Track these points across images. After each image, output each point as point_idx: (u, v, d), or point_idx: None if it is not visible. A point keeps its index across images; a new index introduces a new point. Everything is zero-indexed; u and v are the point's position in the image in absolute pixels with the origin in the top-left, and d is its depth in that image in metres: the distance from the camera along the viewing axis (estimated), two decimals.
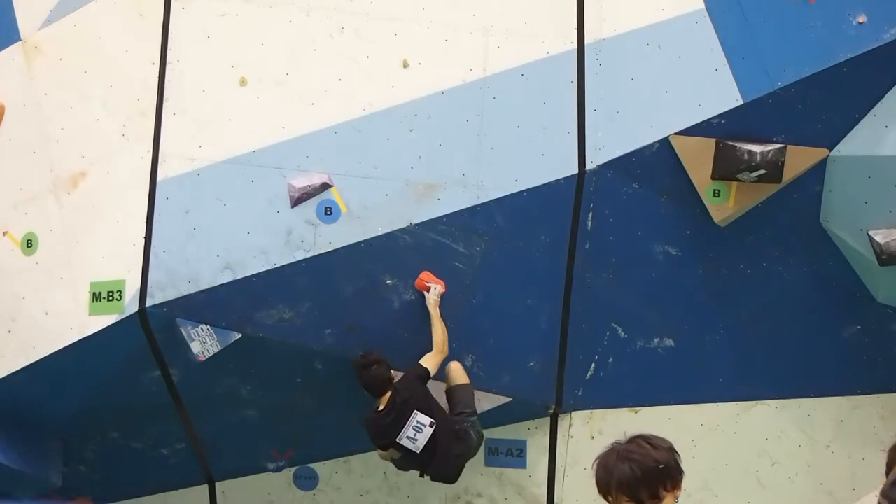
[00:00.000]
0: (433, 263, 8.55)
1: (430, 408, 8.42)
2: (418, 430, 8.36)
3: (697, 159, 8.48)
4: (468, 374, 8.71)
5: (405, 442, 8.41)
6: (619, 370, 9.03)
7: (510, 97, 8.53)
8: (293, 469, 9.53)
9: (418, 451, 8.45)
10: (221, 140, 8.45)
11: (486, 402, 8.92)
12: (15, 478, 8.82)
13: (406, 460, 8.70)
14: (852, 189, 8.51)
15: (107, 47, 8.72)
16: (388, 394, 8.40)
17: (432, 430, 8.38)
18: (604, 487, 3.99)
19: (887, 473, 4.83)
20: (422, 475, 8.80)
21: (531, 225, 8.62)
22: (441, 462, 8.56)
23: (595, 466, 4.07)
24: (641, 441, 4.06)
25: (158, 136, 8.45)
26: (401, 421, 8.37)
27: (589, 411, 9.13)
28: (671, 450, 4.05)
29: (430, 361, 8.42)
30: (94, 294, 8.45)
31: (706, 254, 8.84)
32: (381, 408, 8.42)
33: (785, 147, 8.41)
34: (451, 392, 8.67)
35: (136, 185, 8.44)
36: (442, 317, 8.49)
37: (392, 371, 8.46)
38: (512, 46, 8.54)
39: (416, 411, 8.35)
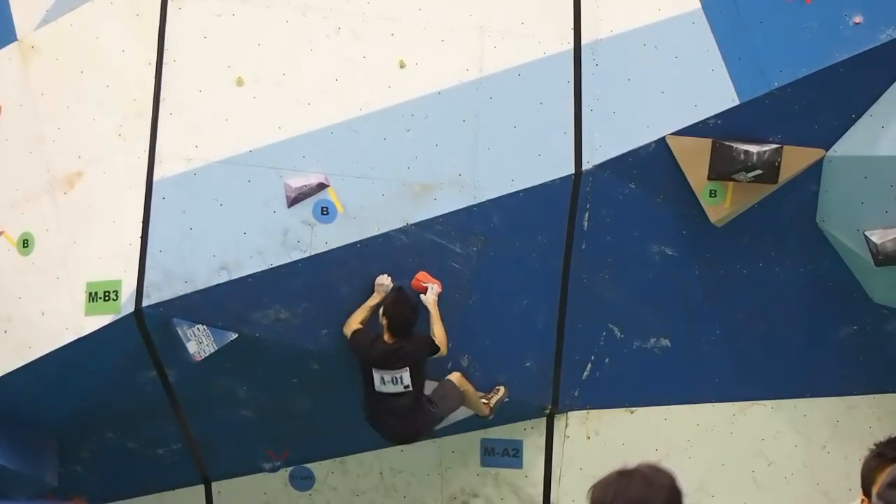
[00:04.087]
0: (430, 264, 8.55)
1: (418, 374, 8.34)
2: (393, 382, 8.31)
3: (694, 159, 8.48)
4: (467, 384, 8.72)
5: (375, 376, 8.31)
6: (616, 370, 9.03)
7: (507, 97, 8.53)
8: (289, 469, 9.52)
9: (375, 389, 8.34)
10: (218, 140, 8.44)
11: None
12: (11, 478, 8.81)
13: (364, 386, 8.52)
14: (848, 189, 8.52)
15: (103, 47, 8.71)
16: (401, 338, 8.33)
17: (403, 391, 8.31)
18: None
19: (865, 487, 4.80)
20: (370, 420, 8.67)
21: (528, 225, 8.62)
22: (387, 419, 8.48)
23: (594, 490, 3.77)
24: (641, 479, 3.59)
25: (155, 136, 8.45)
26: (390, 364, 8.28)
27: (585, 411, 9.13)
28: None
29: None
30: (90, 294, 8.44)
31: (702, 254, 8.84)
32: (386, 339, 8.33)
33: (781, 147, 8.41)
34: (442, 385, 8.64)
35: (132, 185, 8.43)
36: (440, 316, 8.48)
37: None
38: (508, 46, 8.54)
39: (407, 368, 8.29)
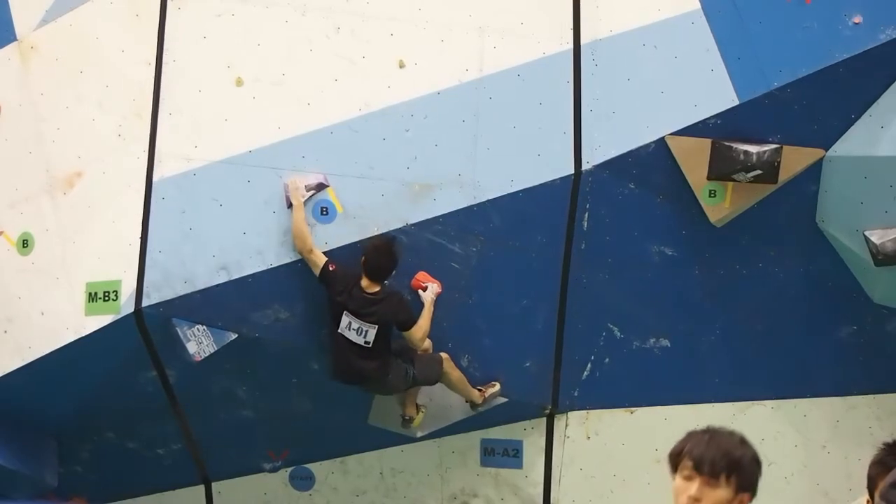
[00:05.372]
0: (429, 264, 8.55)
1: (383, 336, 8.29)
2: (358, 333, 8.24)
3: (693, 159, 8.48)
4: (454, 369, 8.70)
5: (343, 318, 8.24)
6: (615, 370, 9.03)
7: (506, 97, 8.52)
8: (289, 469, 9.53)
9: (338, 330, 8.28)
10: (217, 140, 8.45)
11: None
12: (11, 478, 8.82)
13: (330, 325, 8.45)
14: (848, 189, 8.51)
15: (103, 47, 8.72)
16: (378, 289, 8.26)
17: (363, 346, 8.24)
18: (676, 451, 3.95)
19: (869, 488, 4.83)
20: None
21: (527, 225, 8.62)
22: (344, 362, 8.41)
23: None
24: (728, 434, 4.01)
25: (154, 136, 8.45)
26: (361, 314, 8.23)
27: (585, 412, 9.13)
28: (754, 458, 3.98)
29: (414, 330, 8.36)
30: (90, 294, 8.45)
31: (702, 254, 8.84)
32: (364, 286, 8.25)
33: (781, 147, 8.41)
34: (432, 356, 8.60)
35: (131, 186, 8.44)
36: (437, 316, 8.44)
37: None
38: (508, 47, 8.54)
39: (376, 326, 8.23)
